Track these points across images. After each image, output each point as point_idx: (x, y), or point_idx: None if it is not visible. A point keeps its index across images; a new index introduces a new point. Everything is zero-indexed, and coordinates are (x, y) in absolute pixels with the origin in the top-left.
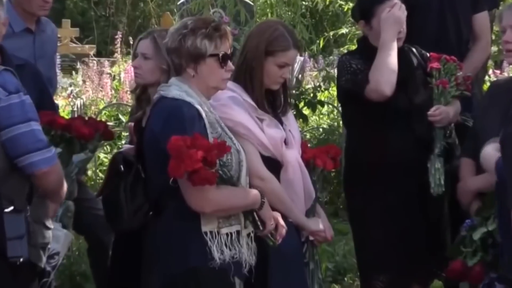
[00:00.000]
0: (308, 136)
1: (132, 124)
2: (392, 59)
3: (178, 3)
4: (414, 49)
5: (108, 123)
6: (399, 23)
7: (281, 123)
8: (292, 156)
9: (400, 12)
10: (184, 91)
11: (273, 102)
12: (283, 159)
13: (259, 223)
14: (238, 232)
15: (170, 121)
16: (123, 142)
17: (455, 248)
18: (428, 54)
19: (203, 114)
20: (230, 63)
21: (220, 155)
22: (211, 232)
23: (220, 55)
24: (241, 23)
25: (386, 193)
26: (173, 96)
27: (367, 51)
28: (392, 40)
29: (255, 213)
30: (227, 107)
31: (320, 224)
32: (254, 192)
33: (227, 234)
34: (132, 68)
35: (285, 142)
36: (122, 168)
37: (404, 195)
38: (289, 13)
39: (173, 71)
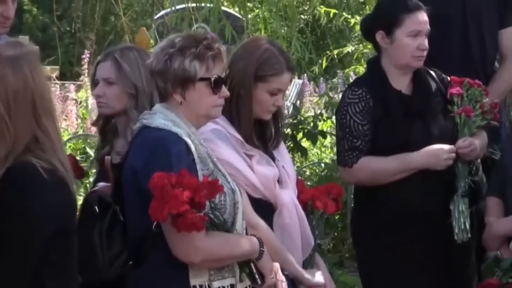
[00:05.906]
0: (308, 173)
1: (109, 158)
2: (396, 168)
3: (156, 17)
4: (432, 72)
5: None
6: (436, 158)
7: (273, 158)
8: (287, 197)
9: (445, 155)
10: (170, 120)
11: (263, 134)
12: (277, 201)
13: (257, 276)
14: (232, 286)
15: (153, 156)
16: (91, 179)
17: (488, 268)
18: (448, 78)
19: (192, 148)
20: (224, 89)
21: (211, 196)
22: (201, 286)
23: (212, 79)
24: (227, 40)
25: (401, 243)
26: (157, 126)
27: (378, 84)
28: (416, 167)
29: (252, 264)
30: (210, 143)
31: (320, 277)
32: (252, 239)
33: None
34: (94, 98)
35: (278, 181)
36: (97, 210)
37: (423, 244)
38: (286, 28)
39: (148, 96)
